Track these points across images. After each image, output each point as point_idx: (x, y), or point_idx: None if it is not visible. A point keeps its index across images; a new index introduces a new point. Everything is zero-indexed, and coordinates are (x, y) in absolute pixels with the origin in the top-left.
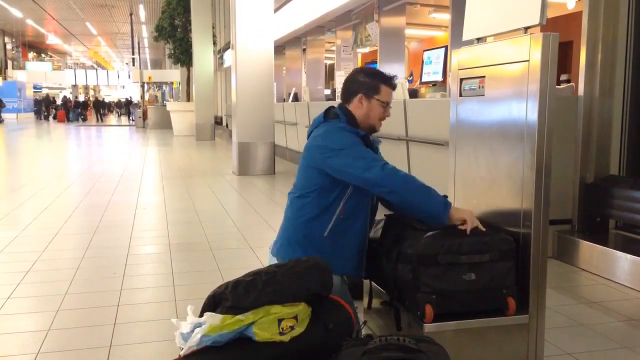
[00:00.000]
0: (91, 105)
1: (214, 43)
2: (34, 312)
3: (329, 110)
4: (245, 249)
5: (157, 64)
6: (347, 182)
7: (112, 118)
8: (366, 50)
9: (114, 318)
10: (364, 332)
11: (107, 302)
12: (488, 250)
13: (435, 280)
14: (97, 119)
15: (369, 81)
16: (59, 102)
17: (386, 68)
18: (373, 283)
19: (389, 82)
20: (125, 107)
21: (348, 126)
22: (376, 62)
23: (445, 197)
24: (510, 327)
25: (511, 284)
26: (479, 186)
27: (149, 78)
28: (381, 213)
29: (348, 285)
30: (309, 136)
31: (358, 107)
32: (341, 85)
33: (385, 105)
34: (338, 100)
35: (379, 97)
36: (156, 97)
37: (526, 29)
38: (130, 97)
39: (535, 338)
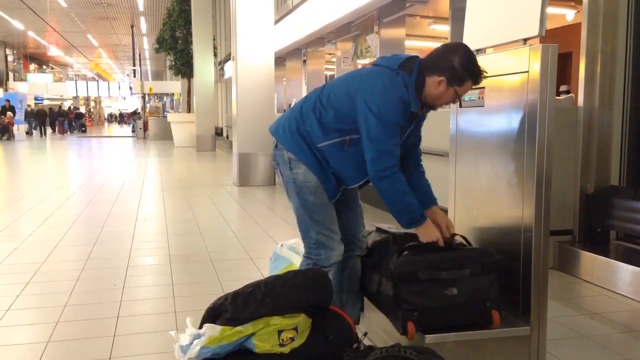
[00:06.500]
0: (74, 116)
1: (215, 54)
2: (34, 323)
3: (411, 60)
4: (246, 260)
5: (158, 76)
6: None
7: (112, 128)
8: (366, 61)
9: (113, 330)
10: (364, 343)
11: (106, 314)
12: (470, 264)
13: (417, 296)
14: (71, 132)
15: (460, 70)
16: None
17: None
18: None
19: (477, 79)
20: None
21: (410, 91)
22: None
23: (421, 215)
24: (511, 339)
25: (495, 296)
26: (479, 197)
27: (150, 89)
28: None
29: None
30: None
31: (434, 85)
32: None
33: (459, 97)
34: None
35: (458, 88)
36: (157, 108)
37: (525, 40)
38: (137, 108)
39: (537, 349)
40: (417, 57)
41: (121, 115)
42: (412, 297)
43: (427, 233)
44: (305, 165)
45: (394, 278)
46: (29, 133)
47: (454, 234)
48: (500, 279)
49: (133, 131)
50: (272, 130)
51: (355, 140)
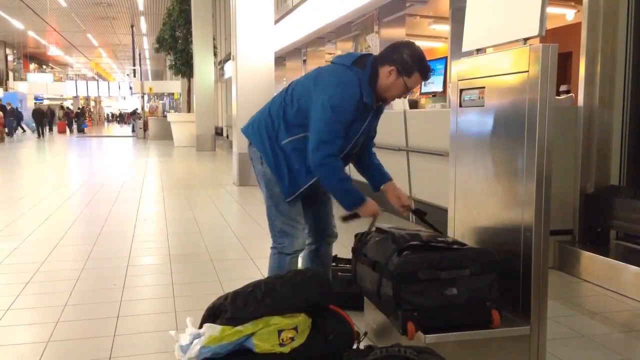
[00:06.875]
0: (60, 116)
1: (215, 54)
2: (34, 323)
3: (365, 57)
4: (246, 260)
5: (158, 75)
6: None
7: (113, 128)
8: None
9: (113, 329)
10: (364, 343)
11: (106, 314)
12: (469, 264)
13: (416, 296)
14: (71, 131)
15: (409, 62)
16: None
17: None
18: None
19: (424, 74)
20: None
21: (363, 84)
22: None
23: (361, 199)
24: (511, 339)
25: (495, 296)
26: (479, 196)
27: (150, 89)
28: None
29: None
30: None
31: (385, 75)
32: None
33: (407, 89)
34: None
35: (407, 80)
36: (157, 107)
37: (525, 40)
38: (137, 108)
39: (537, 349)
40: (371, 54)
41: (121, 115)
42: (412, 297)
43: (366, 210)
44: (265, 162)
45: (394, 278)
46: (9, 135)
47: (409, 205)
48: (500, 278)
49: (133, 131)
50: (243, 129)
51: None
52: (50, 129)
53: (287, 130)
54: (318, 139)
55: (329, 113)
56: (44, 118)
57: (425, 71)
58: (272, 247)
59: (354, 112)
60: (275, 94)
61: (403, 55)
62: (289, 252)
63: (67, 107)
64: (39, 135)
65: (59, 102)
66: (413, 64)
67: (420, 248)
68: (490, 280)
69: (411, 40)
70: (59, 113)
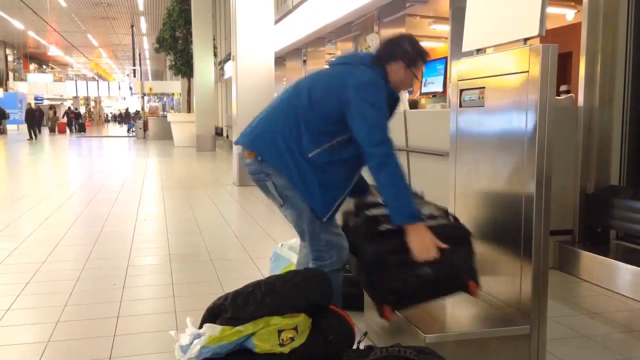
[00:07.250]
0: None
1: (215, 54)
2: (34, 323)
3: (372, 57)
4: (246, 260)
5: (158, 76)
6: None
7: (112, 128)
8: None
9: (113, 329)
10: (364, 343)
11: (106, 314)
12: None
13: (388, 281)
14: (71, 131)
15: (413, 53)
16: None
17: None
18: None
19: (425, 58)
20: (126, 118)
21: (386, 82)
22: None
23: (414, 214)
24: (511, 338)
25: (469, 267)
26: (479, 197)
27: (150, 89)
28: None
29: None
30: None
31: (395, 71)
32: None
33: (416, 79)
34: None
35: (415, 70)
36: (156, 107)
37: (525, 40)
38: (128, 107)
39: (537, 349)
40: (374, 55)
41: (122, 115)
42: (384, 282)
43: (420, 238)
44: (286, 176)
45: (365, 266)
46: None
47: None
48: (472, 249)
49: (128, 130)
50: (249, 144)
51: (342, 142)
52: (40, 130)
53: (312, 140)
54: (373, 127)
55: (376, 108)
56: (34, 119)
57: (425, 56)
58: (318, 264)
59: (387, 107)
60: (272, 103)
61: (406, 48)
62: (339, 266)
63: (69, 107)
64: (30, 137)
65: (56, 103)
66: (417, 54)
67: (392, 233)
68: (462, 253)
69: None
70: (49, 113)
